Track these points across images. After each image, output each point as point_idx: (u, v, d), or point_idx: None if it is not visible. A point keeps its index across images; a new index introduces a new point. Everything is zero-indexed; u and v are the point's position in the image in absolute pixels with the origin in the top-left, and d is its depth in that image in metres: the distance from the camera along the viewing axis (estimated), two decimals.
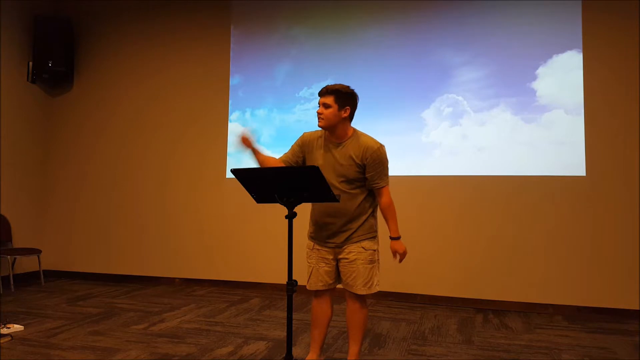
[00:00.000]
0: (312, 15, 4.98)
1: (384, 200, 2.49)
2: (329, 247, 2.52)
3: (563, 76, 4.19)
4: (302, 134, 2.60)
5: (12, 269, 4.89)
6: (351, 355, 2.52)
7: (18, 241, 5.26)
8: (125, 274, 5.38)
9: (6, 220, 5.09)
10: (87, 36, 5.73)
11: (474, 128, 4.40)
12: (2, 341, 3.08)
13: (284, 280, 2.56)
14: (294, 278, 2.20)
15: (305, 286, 2.65)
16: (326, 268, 2.53)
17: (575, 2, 4.18)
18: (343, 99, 2.40)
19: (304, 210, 2.58)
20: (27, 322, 3.55)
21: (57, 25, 5.48)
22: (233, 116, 5.19)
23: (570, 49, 4.18)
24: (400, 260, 2.54)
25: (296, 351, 2.92)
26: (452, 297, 4.34)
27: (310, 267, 2.58)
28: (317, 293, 2.59)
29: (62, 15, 5.62)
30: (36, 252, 5.00)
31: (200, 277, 5.15)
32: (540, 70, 4.24)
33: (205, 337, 3.24)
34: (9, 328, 3.31)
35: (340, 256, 2.49)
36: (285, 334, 3.19)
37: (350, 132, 2.47)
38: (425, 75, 4.57)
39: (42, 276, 5.13)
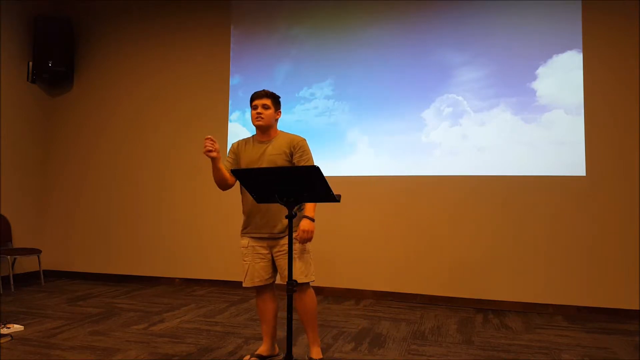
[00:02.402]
0: (312, 15, 4.98)
1: None
2: (263, 239, 2.66)
3: (563, 76, 4.19)
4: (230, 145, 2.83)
5: (12, 269, 4.89)
6: (313, 343, 2.69)
7: (18, 241, 5.26)
8: (125, 274, 5.38)
9: (6, 220, 5.09)
10: (87, 36, 5.74)
11: (474, 128, 4.40)
12: (2, 341, 3.08)
13: (283, 280, 2.59)
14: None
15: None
16: (262, 264, 2.69)
17: (575, 2, 4.18)
18: (277, 103, 2.72)
19: None
20: (27, 322, 3.55)
21: (57, 25, 5.48)
22: (233, 116, 5.19)
23: (570, 49, 4.18)
24: (301, 241, 2.58)
25: (296, 351, 2.92)
26: (452, 297, 4.34)
27: (246, 265, 2.72)
28: (258, 290, 2.75)
29: (62, 15, 5.62)
30: (36, 252, 5.00)
31: (200, 277, 5.16)
32: (540, 70, 4.24)
33: (205, 337, 3.24)
34: (9, 328, 3.31)
35: (275, 249, 2.65)
36: (285, 334, 3.19)
37: (277, 132, 2.75)
38: (425, 75, 4.57)
39: (42, 276, 5.13)
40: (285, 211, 2.54)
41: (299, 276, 2.58)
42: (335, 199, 2.23)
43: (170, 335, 3.28)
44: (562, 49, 4.19)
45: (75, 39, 5.72)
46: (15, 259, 5.00)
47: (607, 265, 3.98)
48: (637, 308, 3.87)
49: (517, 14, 4.33)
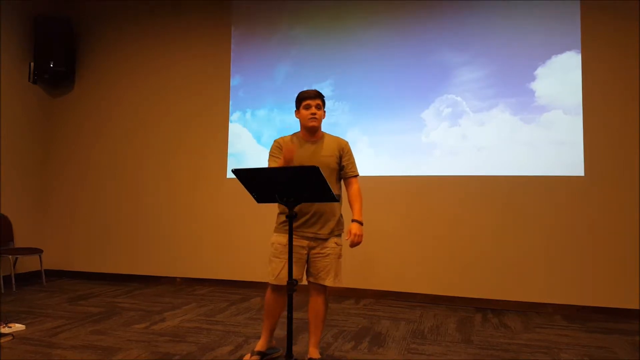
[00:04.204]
0: (313, 15, 4.99)
1: (356, 187, 2.75)
2: (306, 238, 2.61)
3: (562, 76, 4.20)
4: (273, 141, 2.75)
5: (14, 268, 4.90)
6: (314, 345, 2.69)
7: (19, 241, 5.28)
8: (127, 274, 5.40)
9: (7, 219, 5.10)
10: (88, 36, 5.75)
11: (474, 128, 4.42)
12: (3, 340, 3.10)
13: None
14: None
15: (305, 285, 2.68)
16: (299, 263, 2.63)
17: (574, 2, 4.19)
18: (324, 103, 2.72)
19: None
20: (29, 321, 3.57)
21: (58, 26, 5.49)
22: (234, 116, 5.20)
23: (569, 49, 4.19)
24: (353, 245, 2.59)
25: (296, 349, 2.93)
26: (451, 297, 4.35)
27: (280, 263, 2.62)
28: (278, 287, 2.68)
29: (62, 16, 5.63)
30: (37, 251, 5.02)
31: (201, 277, 5.17)
32: (539, 71, 4.26)
33: (205, 336, 3.26)
34: (10, 327, 3.32)
35: (315, 251, 2.63)
36: (285, 332, 3.20)
37: (322, 133, 2.75)
38: (425, 75, 4.59)
39: (43, 276, 5.15)
40: (334, 212, 2.64)
41: (332, 279, 2.62)
42: (335, 198, 2.25)
43: (171, 335, 3.29)
44: (561, 50, 4.20)
45: (76, 39, 5.74)
46: (16, 258, 5.02)
47: (606, 265, 4.00)
48: (637, 308, 3.88)
49: (516, 14, 4.34)
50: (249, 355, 2.75)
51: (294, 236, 2.63)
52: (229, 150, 5.18)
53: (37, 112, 5.59)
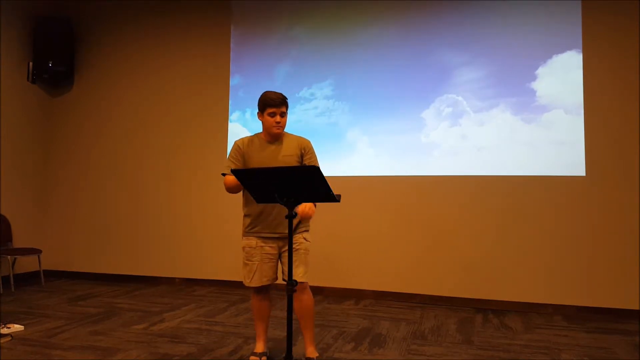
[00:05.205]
0: (313, 15, 4.98)
1: None
2: (274, 239, 2.66)
3: (563, 76, 4.19)
4: (233, 143, 2.81)
5: (13, 268, 4.89)
6: (310, 343, 2.70)
7: (18, 241, 5.27)
8: (126, 274, 5.39)
9: (6, 220, 5.09)
10: (87, 36, 5.74)
11: (474, 128, 4.41)
12: (2, 341, 3.09)
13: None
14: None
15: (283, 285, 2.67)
16: (270, 264, 2.70)
17: (575, 2, 4.18)
18: (288, 108, 2.73)
19: None
20: (28, 322, 3.56)
21: (57, 26, 5.49)
22: (233, 116, 5.20)
23: (570, 49, 4.18)
24: (303, 214, 2.47)
25: (296, 350, 2.93)
26: (451, 297, 4.35)
27: (253, 266, 2.70)
28: (260, 289, 2.76)
29: (62, 16, 5.63)
30: (36, 252, 5.01)
31: (200, 277, 5.16)
32: (540, 71, 4.25)
33: (205, 337, 3.25)
34: (9, 328, 3.32)
35: (285, 249, 2.66)
36: (285, 333, 3.20)
37: (284, 133, 2.76)
38: (425, 75, 4.58)
39: (42, 276, 5.14)
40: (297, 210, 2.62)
41: (301, 274, 2.62)
42: (335, 198, 2.23)
43: (171, 335, 3.28)
44: (562, 49, 4.19)
45: (75, 39, 5.72)
46: (15, 258, 5.01)
47: (607, 265, 3.99)
48: (637, 308, 3.87)
49: (517, 14, 4.33)
50: (257, 358, 2.73)
51: (262, 239, 2.70)
52: (229, 150, 5.17)
53: (37, 112, 5.58)
